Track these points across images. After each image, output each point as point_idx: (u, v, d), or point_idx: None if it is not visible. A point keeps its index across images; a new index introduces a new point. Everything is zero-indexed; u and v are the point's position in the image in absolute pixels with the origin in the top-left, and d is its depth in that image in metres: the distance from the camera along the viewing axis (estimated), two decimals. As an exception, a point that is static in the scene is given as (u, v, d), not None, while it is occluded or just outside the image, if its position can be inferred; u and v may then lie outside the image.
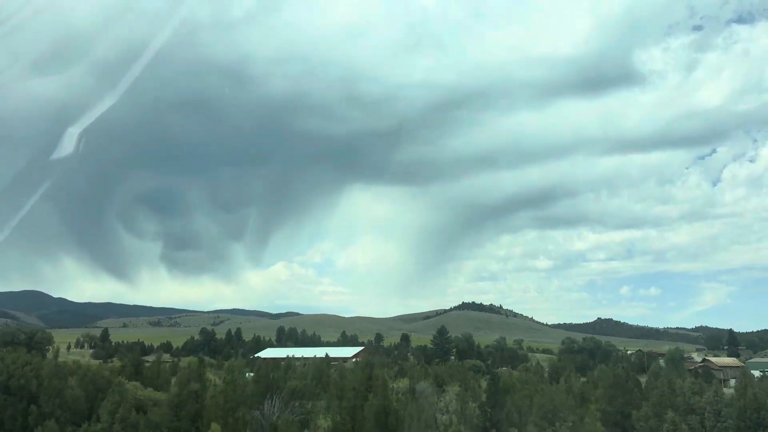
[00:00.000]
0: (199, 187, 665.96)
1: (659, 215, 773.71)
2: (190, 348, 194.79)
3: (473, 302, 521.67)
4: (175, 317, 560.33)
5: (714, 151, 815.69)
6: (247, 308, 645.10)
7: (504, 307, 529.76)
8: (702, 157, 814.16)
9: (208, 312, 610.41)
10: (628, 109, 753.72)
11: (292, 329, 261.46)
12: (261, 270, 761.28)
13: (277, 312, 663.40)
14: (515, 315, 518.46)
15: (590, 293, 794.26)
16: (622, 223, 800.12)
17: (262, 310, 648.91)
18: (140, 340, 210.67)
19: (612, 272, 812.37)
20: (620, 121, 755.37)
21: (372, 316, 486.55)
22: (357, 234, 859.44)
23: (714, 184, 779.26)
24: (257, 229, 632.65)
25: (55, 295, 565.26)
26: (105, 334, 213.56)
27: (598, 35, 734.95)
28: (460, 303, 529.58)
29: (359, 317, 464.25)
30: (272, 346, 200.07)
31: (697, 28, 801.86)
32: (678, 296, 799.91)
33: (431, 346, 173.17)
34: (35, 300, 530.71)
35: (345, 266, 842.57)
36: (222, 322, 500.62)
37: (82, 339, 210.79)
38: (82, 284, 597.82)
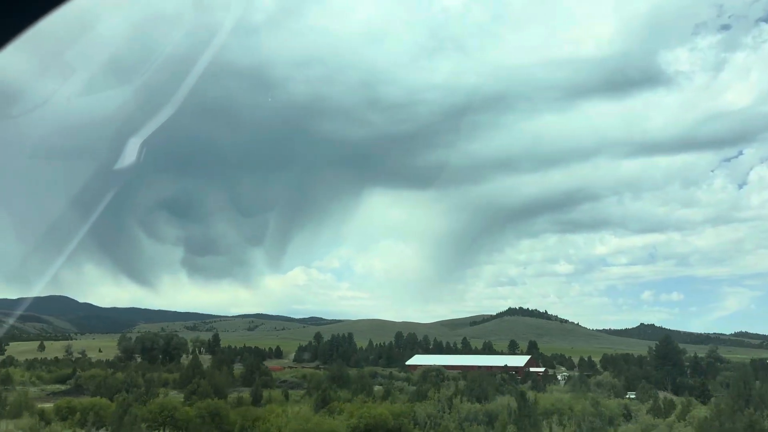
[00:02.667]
0: (219, 192, 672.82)
1: (683, 219, 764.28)
2: (317, 354, 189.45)
3: (521, 307, 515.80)
4: (210, 322, 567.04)
5: (740, 153, 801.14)
6: (271, 313, 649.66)
7: (550, 312, 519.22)
8: (728, 160, 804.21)
9: (234, 316, 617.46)
10: (653, 111, 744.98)
11: (411, 334, 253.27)
12: (279, 275, 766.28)
13: (300, 317, 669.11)
14: (564, 320, 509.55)
15: (611, 298, 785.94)
16: (645, 227, 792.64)
17: (284, 315, 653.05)
18: (230, 345, 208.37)
19: (633, 277, 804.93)
20: (644, 123, 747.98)
21: (410, 320, 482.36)
22: (375, 239, 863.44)
23: (740, 187, 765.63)
24: (277, 234, 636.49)
25: (81, 300, 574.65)
26: (216, 338, 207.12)
27: (623, 36, 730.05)
28: (507, 308, 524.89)
29: (406, 322, 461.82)
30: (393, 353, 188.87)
31: (725, 27, 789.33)
32: (700, 301, 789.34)
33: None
34: (62, 305, 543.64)
35: (363, 271, 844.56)
36: (257, 326, 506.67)
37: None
38: (103, 289, 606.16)
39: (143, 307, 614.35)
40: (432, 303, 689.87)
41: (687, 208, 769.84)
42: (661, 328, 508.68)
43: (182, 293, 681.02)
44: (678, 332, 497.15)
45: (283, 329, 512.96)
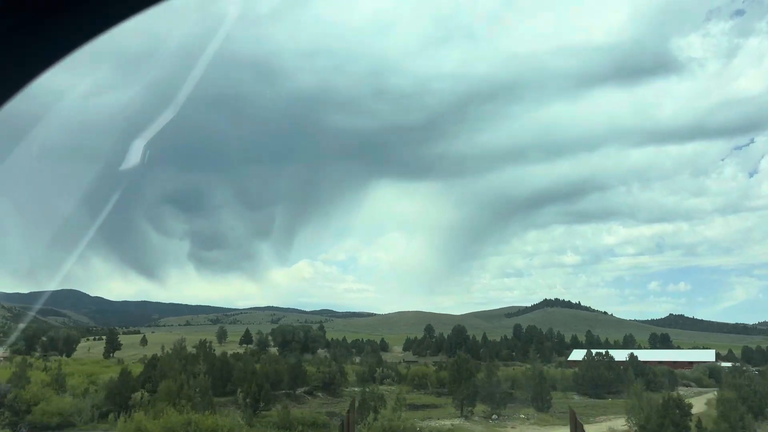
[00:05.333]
0: (225, 186, 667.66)
1: (692, 208, 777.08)
2: (440, 348, 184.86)
3: (556, 299, 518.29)
4: (233, 315, 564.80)
5: (752, 141, 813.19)
6: (280, 305, 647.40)
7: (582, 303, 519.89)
8: (739, 148, 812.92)
9: (246, 309, 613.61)
10: (664, 99, 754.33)
11: (518, 325, 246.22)
12: (285, 268, 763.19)
13: (311, 309, 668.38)
14: (596, 311, 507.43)
15: (618, 289, 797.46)
16: (654, 216, 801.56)
17: (294, 307, 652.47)
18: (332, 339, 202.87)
19: (641, 267, 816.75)
20: (655, 111, 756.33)
21: (441, 312, 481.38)
22: (382, 231, 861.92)
23: (751, 176, 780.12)
24: (283, 227, 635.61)
25: (93, 294, 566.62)
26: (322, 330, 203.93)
27: (635, 22, 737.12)
28: (542, 300, 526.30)
29: (438, 314, 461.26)
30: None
31: (739, 12, 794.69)
32: (707, 291, 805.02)
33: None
34: (75, 299, 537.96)
35: (369, 264, 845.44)
36: (280, 319, 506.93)
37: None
38: (111, 284, 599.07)
39: (155, 301, 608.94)
40: (438, 295, 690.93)
41: (696, 197, 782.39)
42: (692, 319, 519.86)
43: (190, 287, 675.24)
44: (708, 322, 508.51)
45: (313, 322, 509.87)
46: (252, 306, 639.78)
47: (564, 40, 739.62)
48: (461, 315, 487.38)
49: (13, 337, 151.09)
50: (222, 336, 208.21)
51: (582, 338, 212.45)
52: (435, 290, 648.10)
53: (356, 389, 61.79)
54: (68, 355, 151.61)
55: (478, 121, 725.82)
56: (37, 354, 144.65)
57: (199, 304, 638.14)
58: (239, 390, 40.17)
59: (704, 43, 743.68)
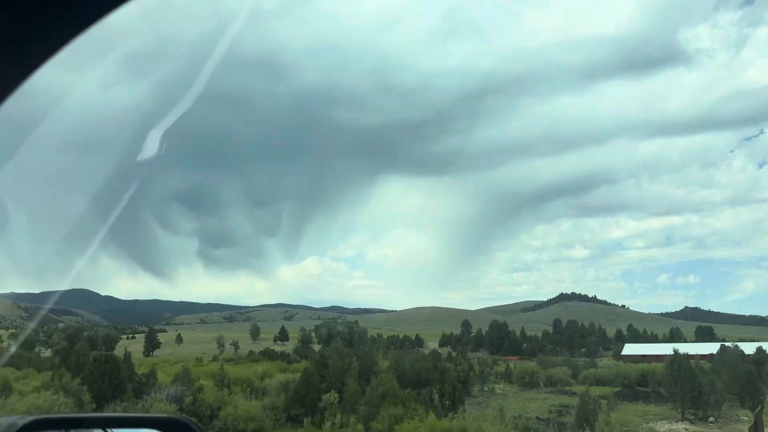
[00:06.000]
0: (233, 183, 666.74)
1: (701, 200, 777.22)
2: (480, 344, 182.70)
3: (572, 293, 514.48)
4: (246, 312, 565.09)
5: (761, 131, 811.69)
6: (291, 302, 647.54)
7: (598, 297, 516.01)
8: (748, 139, 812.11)
9: (256, 306, 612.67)
10: (672, 91, 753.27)
11: (557, 320, 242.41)
12: (293, 265, 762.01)
13: (321, 306, 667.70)
14: (612, 304, 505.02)
15: (627, 282, 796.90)
16: (663, 209, 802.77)
17: (303, 304, 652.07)
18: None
19: (650, 260, 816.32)
20: (663, 103, 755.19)
21: (455, 307, 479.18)
22: (389, 227, 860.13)
23: (760, 167, 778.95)
24: (290, 224, 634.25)
25: (103, 293, 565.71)
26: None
27: (643, 13, 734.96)
28: (558, 294, 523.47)
29: (452, 309, 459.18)
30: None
31: (748, 1, 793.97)
32: (717, 283, 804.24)
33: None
34: (85, 298, 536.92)
35: (376, 260, 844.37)
36: (293, 316, 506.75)
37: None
38: (119, 282, 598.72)
39: (165, 299, 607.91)
40: (446, 291, 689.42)
41: (705, 189, 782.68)
42: (707, 311, 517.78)
43: (199, 285, 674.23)
44: (724, 314, 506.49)
45: (329, 318, 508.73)
46: (262, 303, 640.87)
47: (571, 32, 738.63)
48: (476, 310, 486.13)
49: (54, 338, 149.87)
50: (255, 334, 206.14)
51: (611, 332, 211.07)
52: (444, 286, 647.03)
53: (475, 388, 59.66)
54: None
55: (486, 116, 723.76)
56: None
57: (208, 302, 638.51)
58: (432, 389, 37.67)
59: (713, 34, 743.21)
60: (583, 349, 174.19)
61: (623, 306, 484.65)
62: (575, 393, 55.69)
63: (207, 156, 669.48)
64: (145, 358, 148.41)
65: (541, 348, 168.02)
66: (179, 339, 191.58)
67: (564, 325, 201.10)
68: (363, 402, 30.91)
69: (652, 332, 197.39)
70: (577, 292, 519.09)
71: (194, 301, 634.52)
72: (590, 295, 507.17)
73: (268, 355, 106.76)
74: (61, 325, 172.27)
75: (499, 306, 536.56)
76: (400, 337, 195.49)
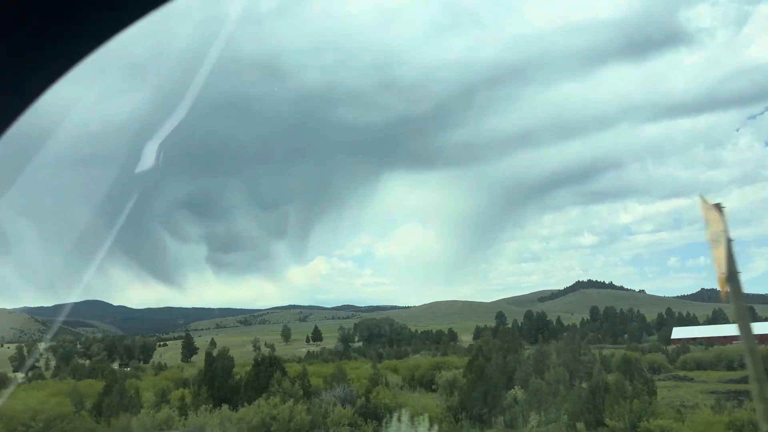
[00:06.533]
0: (238, 187, 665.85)
1: (708, 181, 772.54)
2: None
3: (589, 280, 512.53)
4: (260, 315, 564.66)
5: (766, 109, 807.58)
6: (302, 303, 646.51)
7: (610, 282, 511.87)
8: (753, 117, 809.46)
9: (269, 309, 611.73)
10: (675, 72, 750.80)
11: (594, 307, 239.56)
12: (302, 266, 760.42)
13: (332, 306, 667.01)
14: (630, 290, 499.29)
15: (637, 267, 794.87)
16: (670, 192, 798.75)
17: (315, 304, 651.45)
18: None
19: (659, 244, 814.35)
20: (666, 85, 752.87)
21: (472, 300, 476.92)
22: (396, 223, 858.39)
23: (766, 144, 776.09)
24: (297, 225, 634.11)
25: (116, 304, 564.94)
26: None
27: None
28: (575, 282, 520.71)
29: (469, 302, 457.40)
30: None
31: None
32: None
33: None
34: (98, 309, 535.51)
35: (385, 257, 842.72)
36: (307, 317, 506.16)
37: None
38: (131, 292, 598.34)
39: (177, 307, 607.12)
40: (456, 284, 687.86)
41: (712, 169, 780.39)
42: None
43: (209, 290, 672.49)
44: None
45: (344, 318, 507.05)
46: (274, 306, 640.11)
47: (570, 18, 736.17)
48: (491, 302, 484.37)
49: (94, 349, 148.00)
50: (287, 335, 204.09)
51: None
52: (453, 279, 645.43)
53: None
54: (146, 362, 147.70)
55: (488, 107, 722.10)
56: (119, 363, 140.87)
57: (220, 307, 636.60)
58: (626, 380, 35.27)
59: (713, 12, 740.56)
60: (626, 335, 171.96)
61: (641, 291, 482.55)
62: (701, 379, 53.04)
63: (211, 161, 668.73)
64: (186, 364, 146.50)
65: (583, 336, 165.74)
66: (213, 344, 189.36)
67: (602, 312, 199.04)
68: (619, 396, 27.85)
69: (693, 314, 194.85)
70: (594, 279, 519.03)
71: (207, 306, 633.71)
72: (606, 282, 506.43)
73: (326, 353, 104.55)
74: (97, 335, 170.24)
75: (514, 297, 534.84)
76: (434, 332, 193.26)
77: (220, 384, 33.72)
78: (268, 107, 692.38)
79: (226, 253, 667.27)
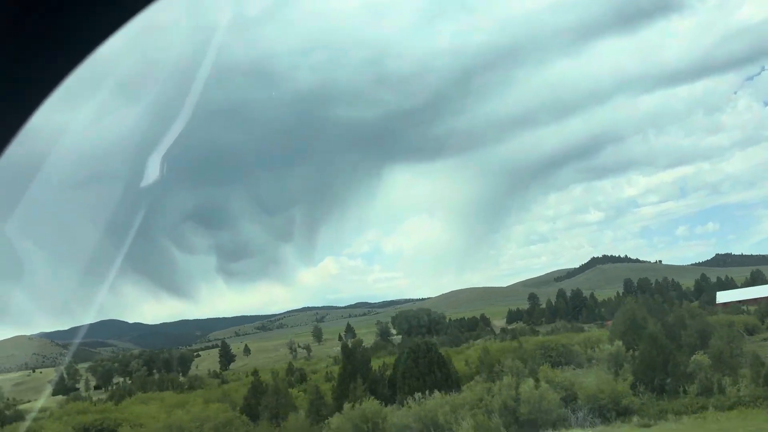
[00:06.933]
0: (241, 195, 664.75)
1: (710, 146, 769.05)
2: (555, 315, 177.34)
3: (604, 255, 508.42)
4: (277, 319, 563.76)
5: (763, 68, 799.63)
6: (316, 305, 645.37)
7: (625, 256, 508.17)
8: (750, 78, 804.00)
9: (284, 313, 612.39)
10: (668, 40, 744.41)
11: (627, 280, 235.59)
12: (312, 267, 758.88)
13: (346, 304, 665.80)
14: (645, 261, 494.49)
15: (646, 239, 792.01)
16: (673, 161, 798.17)
17: (328, 305, 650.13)
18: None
19: (666, 214, 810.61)
20: (660, 54, 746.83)
21: (490, 286, 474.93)
22: (402, 217, 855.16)
23: (766, 104, 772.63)
24: (304, 227, 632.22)
25: (131, 321, 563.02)
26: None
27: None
28: (590, 259, 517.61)
29: (488, 287, 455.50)
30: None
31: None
32: (736, 228, 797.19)
33: None
34: (115, 328, 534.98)
35: (393, 251, 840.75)
36: (323, 317, 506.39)
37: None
38: (145, 308, 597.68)
39: (192, 319, 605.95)
40: (467, 272, 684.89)
41: (713, 135, 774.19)
42: (740, 256, 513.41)
43: (222, 300, 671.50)
44: (758, 256, 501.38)
45: (359, 315, 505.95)
46: (288, 309, 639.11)
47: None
48: (508, 287, 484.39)
49: (137, 366, 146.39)
50: (318, 336, 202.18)
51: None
52: (464, 267, 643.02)
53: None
54: (184, 374, 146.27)
55: (484, 92, 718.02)
56: (158, 376, 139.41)
57: (235, 315, 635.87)
58: None
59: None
60: (664, 304, 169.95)
61: (658, 261, 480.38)
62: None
63: (213, 171, 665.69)
64: (225, 372, 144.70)
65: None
66: (247, 350, 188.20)
67: (635, 284, 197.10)
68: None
69: (730, 277, 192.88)
70: (609, 255, 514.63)
71: (221, 316, 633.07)
72: (622, 256, 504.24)
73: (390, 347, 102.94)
74: (135, 351, 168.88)
75: (530, 279, 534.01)
76: (467, 319, 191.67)
77: (363, 377, 31.84)
78: (265, 112, 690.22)
79: (236, 261, 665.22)
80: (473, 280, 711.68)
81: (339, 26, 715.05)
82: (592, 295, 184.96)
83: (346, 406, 25.98)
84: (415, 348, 33.43)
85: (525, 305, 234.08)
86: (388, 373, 42.82)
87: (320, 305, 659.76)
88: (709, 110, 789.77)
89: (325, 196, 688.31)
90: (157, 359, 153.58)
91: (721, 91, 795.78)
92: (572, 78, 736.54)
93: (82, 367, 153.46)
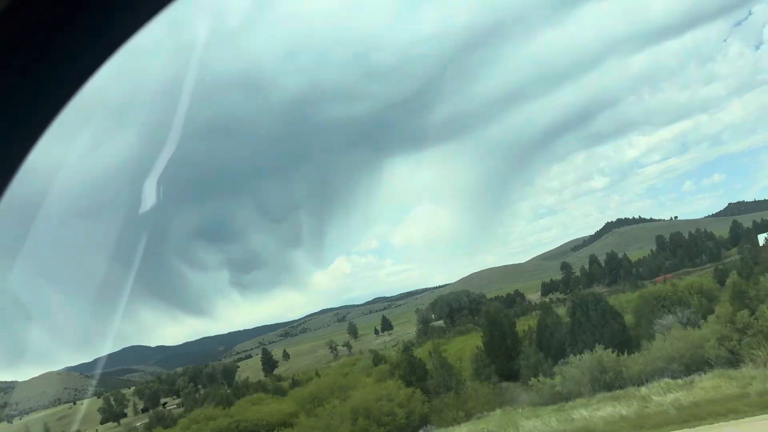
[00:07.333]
0: (245, 206, 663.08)
1: (706, 98, 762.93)
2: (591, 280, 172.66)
3: (618, 219, 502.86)
4: (299, 324, 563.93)
5: (750, 12, 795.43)
6: (334, 306, 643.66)
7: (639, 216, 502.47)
8: (739, 23, 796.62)
9: (303, 318, 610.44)
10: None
11: (659, 236, 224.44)
12: (324, 269, 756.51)
13: (364, 301, 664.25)
14: (660, 220, 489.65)
15: (653, 198, 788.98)
16: (670, 117, 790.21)
17: (347, 303, 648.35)
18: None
19: (670, 171, 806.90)
20: (645, 11, 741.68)
21: (510, 263, 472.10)
22: (407, 208, 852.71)
23: (757, 48, 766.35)
24: (311, 231, 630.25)
25: (154, 345, 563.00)
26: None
27: None
28: (604, 224, 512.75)
29: (508, 266, 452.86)
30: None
31: None
32: (742, 176, 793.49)
33: None
34: (138, 354, 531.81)
35: (403, 243, 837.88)
36: (345, 316, 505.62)
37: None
38: (165, 330, 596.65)
39: (213, 335, 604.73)
40: (479, 254, 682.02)
41: (707, 85, 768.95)
42: (753, 202, 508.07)
43: (240, 313, 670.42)
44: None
45: (379, 310, 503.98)
46: (307, 314, 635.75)
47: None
48: (528, 261, 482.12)
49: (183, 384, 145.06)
50: (354, 332, 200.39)
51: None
52: (476, 250, 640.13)
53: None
54: (230, 385, 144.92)
55: (473, 73, 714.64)
56: (206, 389, 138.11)
57: (255, 326, 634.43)
58: None
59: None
60: (704, 256, 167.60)
61: (673, 218, 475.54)
62: None
63: (214, 187, 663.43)
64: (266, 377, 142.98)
65: (659, 267, 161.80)
66: (286, 355, 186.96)
67: (667, 239, 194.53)
68: None
69: (765, 219, 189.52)
70: (622, 218, 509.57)
71: (242, 329, 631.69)
72: (636, 217, 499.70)
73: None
74: (178, 369, 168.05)
75: (547, 252, 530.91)
76: (505, 296, 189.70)
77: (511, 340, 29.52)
78: (258, 120, 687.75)
79: (248, 273, 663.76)
80: (488, 261, 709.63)
81: (320, 25, 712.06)
82: (625, 256, 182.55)
83: (572, 357, 24.08)
84: (581, 301, 31.40)
85: (548, 278, 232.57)
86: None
87: (338, 305, 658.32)
88: (701, 61, 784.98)
89: (327, 196, 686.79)
90: (200, 375, 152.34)
91: (711, 41, 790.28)
92: (559, 47, 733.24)
93: (126, 392, 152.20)
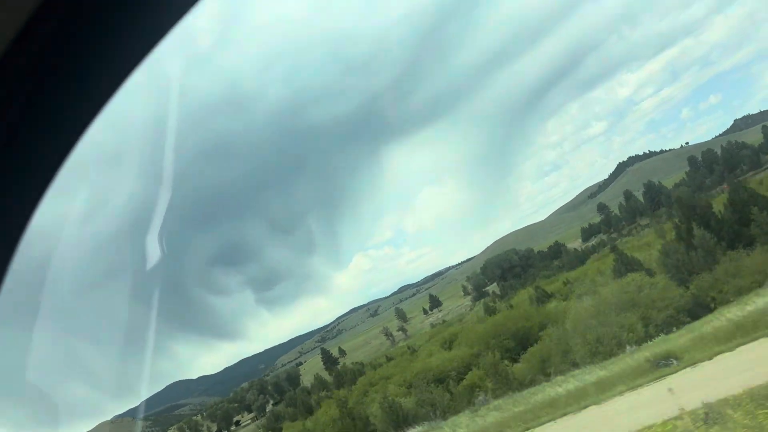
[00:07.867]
0: (255, 223, 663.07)
1: (687, 21, 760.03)
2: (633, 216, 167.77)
3: (629, 157, 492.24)
4: (333, 327, 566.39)
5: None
6: (362, 303, 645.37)
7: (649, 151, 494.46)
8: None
9: (334, 321, 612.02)
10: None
11: (692, 157, 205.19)
12: (344, 270, 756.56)
13: (390, 293, 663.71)
14: (668, 150, 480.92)
15: (654, 132, 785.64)
16: (656, 48, 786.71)
17: (373, 299, 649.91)
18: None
19: (666, 101, 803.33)
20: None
21: (528, 225, 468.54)
22: (413, 192, 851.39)
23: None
24: (323, 234, 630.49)
25: (195, 377, 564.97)
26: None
27: None
28: (616, 165, 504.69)
29: (527, 227, 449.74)
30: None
31: None
32: (740, 91, 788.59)
33: None
34: (183, 388, 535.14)
35: (416, 228, 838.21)
36: (376, 310, 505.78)
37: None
38: (202, 360, 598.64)
39: (250, 355, 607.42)
40: (493, 223, 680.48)
41: (686, 8, 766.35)
42: (758, 113, 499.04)
43: (271, 328, 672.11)
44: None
45: (408, 297, 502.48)
46: (337, 316, 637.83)
47: None
48: (548, 218, 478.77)
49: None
50: (402, 316, 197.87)
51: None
52: (489, 219, 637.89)
53: None
54: (295, 389, 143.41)
55: (449, 46, 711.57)
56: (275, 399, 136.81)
57: (290, 338, 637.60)
58: None
59: None
60: (743, 166, 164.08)
61: (685, 144, 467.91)
62: None
63: (221, 211, 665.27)
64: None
65: (700, 185, 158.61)
66: (342, 351, 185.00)
67: (699, 159, 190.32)
68: None
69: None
70: (632, 155, 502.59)
71: (277, 343, 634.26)
72: (647, 152, 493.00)
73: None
74: (244, 385, 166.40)
75: (564, 205, 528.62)
76: (546, 249, 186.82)
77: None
78: (250, 136, 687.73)
79: (271, 288, 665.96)
80: (506, 227, 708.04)
81: (291, 31, 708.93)
82: (660, 183, 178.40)
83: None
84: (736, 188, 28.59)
85: (570, 228, 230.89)
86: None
87: (366, 302, 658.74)
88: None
89: (333, 196, 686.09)
90: (266, 386, 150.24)
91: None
92: (531, 1, 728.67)
93: (196, 419, 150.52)
